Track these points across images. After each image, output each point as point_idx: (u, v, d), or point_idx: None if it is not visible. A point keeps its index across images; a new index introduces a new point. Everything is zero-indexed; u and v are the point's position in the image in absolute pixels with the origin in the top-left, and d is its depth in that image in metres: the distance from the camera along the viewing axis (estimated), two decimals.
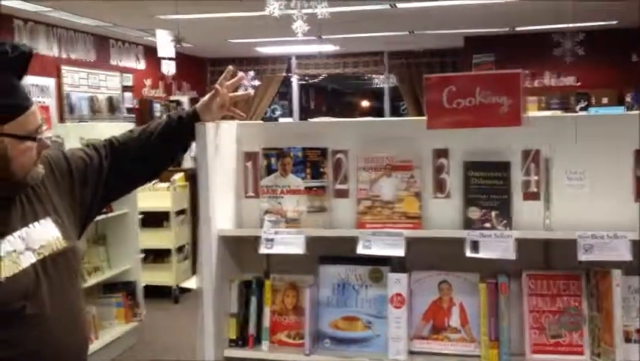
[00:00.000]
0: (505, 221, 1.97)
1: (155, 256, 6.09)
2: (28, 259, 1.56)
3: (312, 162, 2.12)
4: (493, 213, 1.98)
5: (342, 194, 2.13)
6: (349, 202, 2.12)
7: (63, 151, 1.85)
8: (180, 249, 6.38)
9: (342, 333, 2.04)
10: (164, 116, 2.03)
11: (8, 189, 1.57)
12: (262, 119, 10.58)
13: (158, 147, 1.92)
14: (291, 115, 12.15)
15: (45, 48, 7.88)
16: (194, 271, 6.35)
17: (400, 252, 1.92)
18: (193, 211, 6.48)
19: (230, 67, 2.00)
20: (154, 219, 5.98)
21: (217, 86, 1.95)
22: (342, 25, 7.46)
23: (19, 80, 1.58)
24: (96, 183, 1.82)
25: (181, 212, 6.39)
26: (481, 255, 1.88)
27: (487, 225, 1.97)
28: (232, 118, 2.08)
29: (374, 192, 2.06)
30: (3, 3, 6.77)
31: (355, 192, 2.10)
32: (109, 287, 4.97)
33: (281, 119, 11.17)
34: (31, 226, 1.61)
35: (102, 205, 1.92)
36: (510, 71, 1.88)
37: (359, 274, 2.05)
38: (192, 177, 6.53)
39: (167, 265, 6.24)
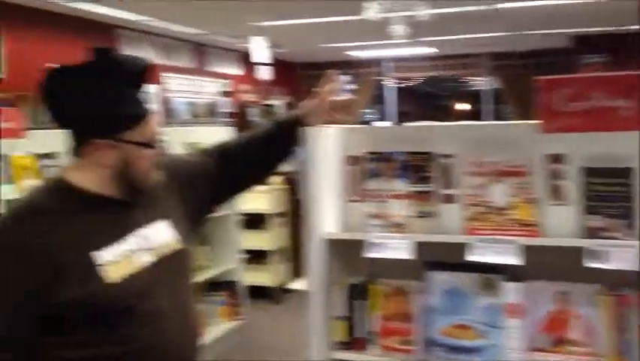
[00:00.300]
0: (629, 230, 1.86)
1: (256, 257, 6.21)
2: (145, 259, 1.63)
3: (417, 167, 2.09)
4: (616, 222, 1.88)
5: (449, 199, 2.09)
6: (456, 208, 2.07)
7: (175, 156, 1.92)
8: (280, 251, 6.48)
9: (454, 341, 2.00)
10: (268, 122, 2.07)
11: (127, 193, 1.64)
12: (358, 124, 10.57)
13: (263, 152, 1.97)
14: (384, 119, 12.10)
15: (146, 56, 8.20)
16: (295, 273, 6.42)
17: (513, 260, 1.86)
18: (292, 214, 6.57)
19: (331, 71, 2.01)
20: (254, 221, 6.09)
21: (317, 90, 1.97)
22: (438, 26, 7.37)
23: (138, 90, 1.66)
24: (205, 188, 1.88)
25: (280, 214, 6.48)
26: (603, 265, 1.79)
27: (609, 234, 1.88)
28: (335, 122, 2.09)
29: (483, 197, 2.01)
30: (107, 13, 7.10)
31: (463, 198, 2.06)
32: (213, 286, 5.10)
33: (375, 124, 11.13)
34: (147, 227, 1.67)
35: (211, 209, 1.98)
36: (630, 72, 1.79)
37: (469, 281, 2.00)
38: (291, 180, 6.61)
39: (266, 266, 6.34)
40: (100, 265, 1.54)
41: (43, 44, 6.90)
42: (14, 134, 3.49)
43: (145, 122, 1.62)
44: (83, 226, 1.57)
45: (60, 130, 1.64)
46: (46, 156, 3.77)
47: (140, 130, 1.61)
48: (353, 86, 10.78)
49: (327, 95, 1.96)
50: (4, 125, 3.42)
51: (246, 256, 5.59)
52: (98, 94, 1.56)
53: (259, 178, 2.09)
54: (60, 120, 1.62)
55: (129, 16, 7.35)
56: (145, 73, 1.67)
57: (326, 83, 1.98)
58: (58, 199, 1.59)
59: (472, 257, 1.90)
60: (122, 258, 1.58)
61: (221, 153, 1.95)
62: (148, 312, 1.59)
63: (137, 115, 1.61)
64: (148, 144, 1.63)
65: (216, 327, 5.01)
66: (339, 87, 1.99)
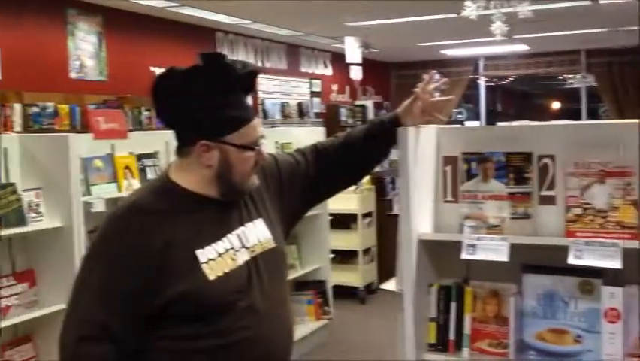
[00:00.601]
0: None
1: (342, 257, 6.24)
2: (243, 257, 1.67)
3: (515, 167, 2.04)
4: None
5: (548, 201, 2.03)
6: (555, 209, 2.01)
7: (274, 156, 1.95)
8: (366, 251, 6.48)
9: (548, 346, 1.95)
10: (365, 123, 2.07)
11: (227, 194, 1.69)
12: (449, 123, 10.45)
13: (361, 152, 1.97)
14: (477, 118, 11.90)
15: (243, 58, 8.40)
16: (381, 273, 6.42)
17: (615, 264, 1.79)
18: (379, 214, 6.56)
19: (429, 71, 2.00)
20: (341, 221, 6.12)
21: (418, 90, 1.96)
22: (535, 23, 7.18)
23: (245, 95, 1.70)
24: (302, 188, 1.91)
25: (367, 215, 6.49)
26: None
27: None
28: (431, 122, 2.08)
29: (585, 199, 1.95)
30: (208, 17, 7.32)
31: (562, 199, 2.00)
32: (301, 285, 5.18)
33: (467, 123, 10.98)
34: (246, 225, 1.72)
35: (306, 209, 2.00)
36: None
37: (567, 285, 1.94)
38: (378, 180, 6.61)
39: (353, 266, 6.37)
40: (202, 262, 1.60)
41: (144, 48, 7.19)
42: (117, 134, 3.66)
43: (249, 126, 1.67)
44: (186, 226, 1.62)
45: (160, 131, 1.70)
46: (146, 156, 3.93)
47: (243, 133, 1.65)
48: (446, 86, 10.68)
49: (425, 95, 1.95)
50: (108, 126, 3.60)
51: (333, 255, 5.64)
52: (206, 97, 1.62)
53: (355, 179, 2.10)
54: (168, 121, 1.69)
55: (227, 19, 7.55)
56: (252, 78, 1.72)
57: (424, 83, 1.96)
58: (163, 199, 1.65)
59: (573, 260, 1.85)
60: (221, 256, 1.63)
61: (317, 154, 1.97)
62: (244, 308, 1.63)
63: (243, 118, 1.66)
64: (250, 147, 1.67)
65: (304, 326, 5.07)
66: (437, 87, 1.98)
